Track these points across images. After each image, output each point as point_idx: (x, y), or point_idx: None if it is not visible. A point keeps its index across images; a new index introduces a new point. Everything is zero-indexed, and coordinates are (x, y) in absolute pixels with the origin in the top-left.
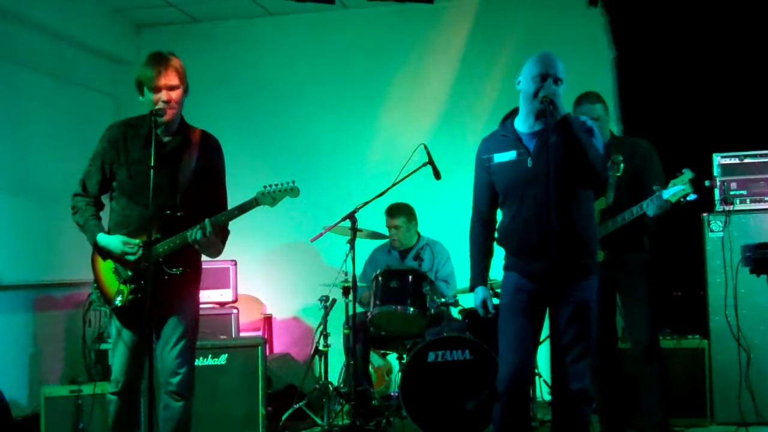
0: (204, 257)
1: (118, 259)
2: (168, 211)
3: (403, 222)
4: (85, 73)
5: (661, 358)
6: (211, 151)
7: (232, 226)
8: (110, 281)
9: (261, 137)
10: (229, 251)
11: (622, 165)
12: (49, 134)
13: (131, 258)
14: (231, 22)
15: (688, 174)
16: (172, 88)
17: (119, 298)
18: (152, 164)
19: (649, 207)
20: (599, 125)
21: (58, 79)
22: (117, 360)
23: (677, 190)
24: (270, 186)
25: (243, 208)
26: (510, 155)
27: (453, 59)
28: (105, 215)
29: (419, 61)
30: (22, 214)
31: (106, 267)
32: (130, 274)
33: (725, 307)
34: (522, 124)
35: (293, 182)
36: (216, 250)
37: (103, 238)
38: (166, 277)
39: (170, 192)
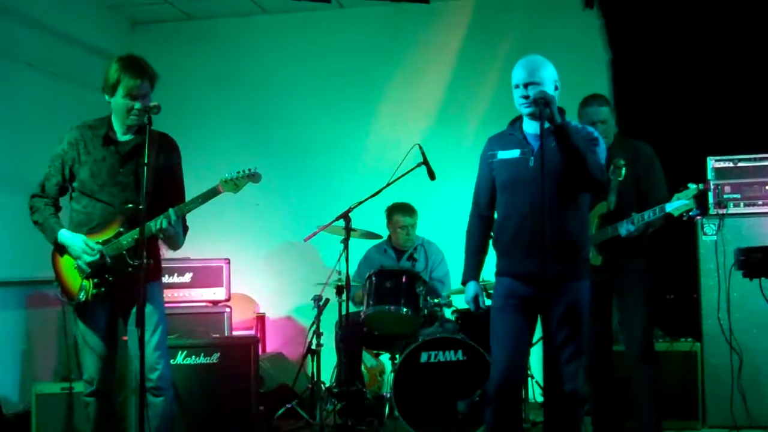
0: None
1: (76, 258)
2: (131, 205)
3: (416, 220)
4: (80, 70)
5: (656, 360)
6: (169, 150)
7: (226, 224)
8: (72, 277)
9: (255, 135)
10: (223, 250)
11: (624, 169)
12: (44, 131)
13: (88, 259)
14: (226, 20)
15: (692, 190)
16: (146, 95)
17: (82, 294)
18: (146, 161)
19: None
20: (605, 128)
21: (53, 75)
22: (87, 362)
23: (681, 204)
24: (231, 173)
25: (206, 196)
26: (514, 153)
27: (449, 59)
28: (63, 219)
29: (415, 61)
30: (16, 211)
31: (67, 263)
32: (89, 270)
33: (718, 310)
34: (529, 126)
35: (255, 168)
36: (178, 241)
37: (64, 235)
38: (130, 269)
39: (134, 188)
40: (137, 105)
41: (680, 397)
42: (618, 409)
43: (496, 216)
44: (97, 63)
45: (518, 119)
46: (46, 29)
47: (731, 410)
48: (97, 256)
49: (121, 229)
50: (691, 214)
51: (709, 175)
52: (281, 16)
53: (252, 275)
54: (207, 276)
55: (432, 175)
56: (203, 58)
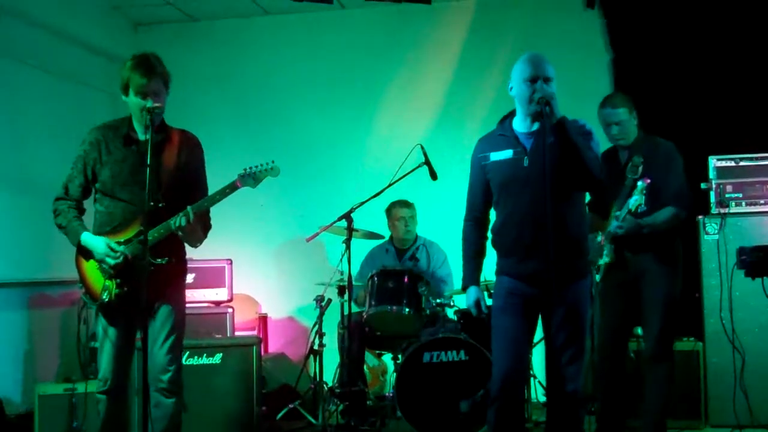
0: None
1: (99, 261)
2: (151, 203)
3: (414, 213)
4: (82, 70)
5: (667, 360)
6: (191, 147)
7: (228, 224)
8: (96, 278)
9: (257, 136)
10: (225, 250)
11: (641, 167)
12: (46, 131)
13: (112, 263)
14: (228, 21)
15: (641, 187)
16: (157, 93)
17: (105, 294)
18: (149, 162)
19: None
20: (620, 129)
21: (56, 76)
22: (104, 358)
23: (633, 200)
24: (250, 167)
25: (225, 192)
26: (506, 154)
27: (450, 60)
28: (88, 221)
29: (417, 61)
30: (18, 211)
31: (91, 264)
32: (112, 270)
33: (720, 309)
34: (520, 125)
35: (273, 162)
36: (198, 238)
37: (87, 238)
38: (152, 268)
39: (154, 187)
40: (149, 104)
41: (683, 396)
42: (623, 409)
43: (493, 217)
44: (99, 64)
45: (507, 117)
46: (49, 30)
47: (734, 409)
48: (120, 259)
49: (142, 228)
50: (640, 210)
51: (711, 174)
52: (282, 17)
53: (254, 276)
54: (209, 277)
55: (434, 175)
56: (205, 59)
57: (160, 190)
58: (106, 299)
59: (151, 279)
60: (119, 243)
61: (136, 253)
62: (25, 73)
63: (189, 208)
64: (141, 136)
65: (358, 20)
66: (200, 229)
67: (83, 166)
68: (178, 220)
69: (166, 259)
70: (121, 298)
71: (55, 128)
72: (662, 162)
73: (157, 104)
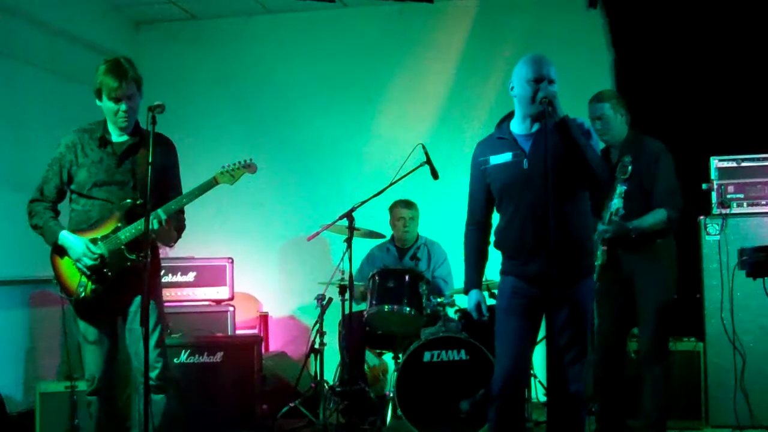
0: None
1: (76, 260)
2: (129, 200)
3: (415, 214)
4: (83, 69)
5: (662, 360)
6: (165, 148)
7: (229, 223)
8: (71, 274)
9: (258, 135)
10: (226, 249)
11: (630, 167)
12: (47, 130)
13: (89, 263)
14: (230, 20)
15: (620, 188)
16: (130, 97)
17: (81, 290)
18: (150, 160)
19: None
20: (602, 123)
21: (57, 74)
22: (88, 358)
23: (612, 203)
24: (228, 165)
25: (203, 189)
26: (506, 157)
27: (452, 59)
28: (62, 222)
29: (418, 60)
30: (19, 210)
31: (66, 260)
32: (88, 271)
33: (721, 310)
34: (518, 127)
35: (251, 159)
36: (171, 238)
37: (65, 237)
38: (128, 264)
39: (131, 186)
40: (122, 107)
41: (683, 396)
42: (623, 409)
43: (496, 219)
44: (101, 62)
45: (505, 120)
46: (50, 29)
47: (734, 410)
48: (98, 261)
49: (119, 225)
50: (620, 213)
51: (713, 174)
52: (284, 15)
53: (255, 274)
54: (210, 275)
55: (435, 175)
56: (206, 58)
57: (136, 189)
58: (82, 295)
59: (130, 275)
60: (96, 239)
61: (114, 249)
62: (26, 73)
63: (159, 210)
64: (116, 138)
65: (360, 19)
66: (173, 228)
67: (59, 168)
68: (151, 224)
69: (141, 255)
70: (98, 294)
71: (56, 127)
72: (651, 162)
73: (159, 103)
